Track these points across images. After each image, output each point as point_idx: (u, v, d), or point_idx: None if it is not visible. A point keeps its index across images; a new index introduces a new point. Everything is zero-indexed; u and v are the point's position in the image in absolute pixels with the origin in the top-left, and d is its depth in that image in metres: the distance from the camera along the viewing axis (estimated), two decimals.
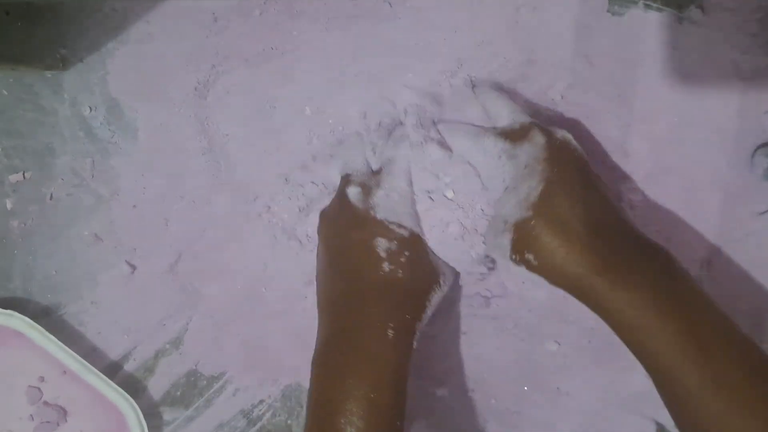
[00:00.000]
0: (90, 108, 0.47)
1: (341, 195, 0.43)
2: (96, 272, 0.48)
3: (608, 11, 0.45)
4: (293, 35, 0.47)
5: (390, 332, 0.38)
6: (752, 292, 0.46)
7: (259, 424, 0.48)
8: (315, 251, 0.47)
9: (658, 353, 0.34)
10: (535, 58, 0.46)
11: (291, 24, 0.47)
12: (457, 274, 0.45)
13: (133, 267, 0.48)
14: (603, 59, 0.45)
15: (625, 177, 0.46)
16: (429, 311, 0.40)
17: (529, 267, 0.38)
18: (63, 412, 0.47)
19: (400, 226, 0.41)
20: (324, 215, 0.44)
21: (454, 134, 0.43)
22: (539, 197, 0.38)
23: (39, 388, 0.47)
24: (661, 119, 0.45)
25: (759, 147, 0.44)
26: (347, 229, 0.41)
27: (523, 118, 0.42)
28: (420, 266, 0.41)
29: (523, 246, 0.38)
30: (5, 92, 0.47)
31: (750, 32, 0.44)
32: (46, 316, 0.48)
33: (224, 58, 0.47)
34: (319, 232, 0.44)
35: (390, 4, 0.46)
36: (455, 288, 0.46)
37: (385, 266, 0.39)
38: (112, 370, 0.48)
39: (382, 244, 0.40)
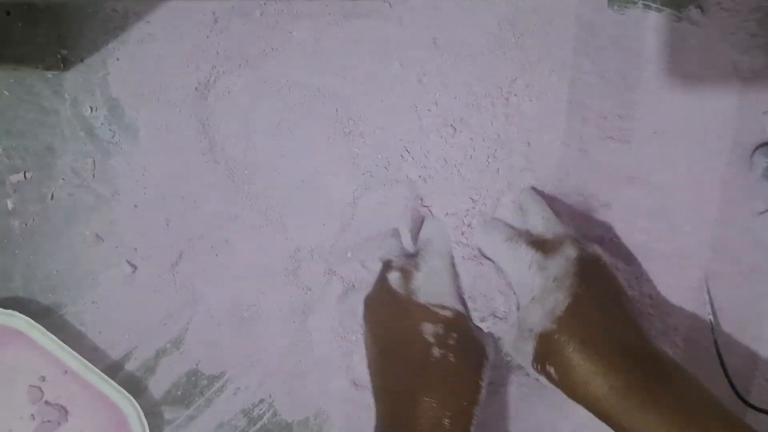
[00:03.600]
0: (91, 108, 0.47)
1: (382, 281, 0.43)
2: (97, 272, 0.48)
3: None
4: (293, 35, 0.47)
5: (446, 422, 0.37)
6: (752, 291, 0.46)
7: (259, 424, 0.48)
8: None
9: None
10: (534, 59, 0.46)
11: (291, 24, 0.47)
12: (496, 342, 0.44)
13: (134, 267, 0.48)
14: (602, 59, 0.45)
15: (623, 178, 0.46)
16: (484, 391, 0.40)
17: (550, 379, 0.38)
18: (64, 412, 0.47)
19: (443, 307, 0.41)
20: (368, 304, 0.44)
21: (490, 233, 0.44)
22: (565, 311, 0.38)
23: (40, 388, 0.47)
24: (661, 119, 0.45)
25: (758, 147, 0.44)
26: (392, 317, 0.42)
27: (558, 229, 0.42)
28: (468, 344, 0.41)
29: (545, 358, 0.38)
30: (6, 93, 0.47)
31: (749, 32, 0.44)
32: (47, 316, 0.48)
33: (225, 58, 0.47)
34: (365, 320, 0.44)
35: (390, 4, 0.46)
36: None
37: (435, 352, 0.39)
38: (113, 370, 0.48)
39: (428, 330, 0.40)
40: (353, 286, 0.47)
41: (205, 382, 0.48)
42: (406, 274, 0.43)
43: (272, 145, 0.47)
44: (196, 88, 0.47)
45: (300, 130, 0.47)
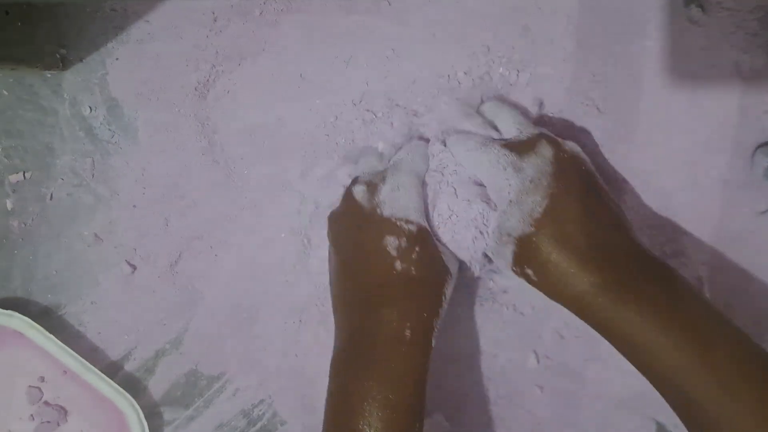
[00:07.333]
0: (90, 108, 0.47)
1: (347, 195, 0.43)
2: (96, 272, 0.48)
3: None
4: (293, 34, 0.47)
5: (408, 332, 0.38)
6: (752, 291, 0.46)
7: (259, 424, 0.48)
8: (316, 251, 0.47)
9: (663, 370, 0.34)
10: (532, 57, 0.46)
11: (291, 23, 0.47)
12: (459, 263, 0.43)
13: (134, 267, 0.48)
14: (602, 59, 0.45)
15: (624, 177, 0.46)
16: (445, 305, 0.40)
17: (529, 281, 0.39)
18: (63, 412, 0.47)
19: (407, 221, 0.40)
20: (332, 218, 0.44)
21: (462, 144, 0.42)
22: (543, 213, 0.38)
23: (39, 388, 0.47)
24: (661, 119, 0.45)
25: (759, 146, 0.44)
26: (356, 229, 0.41)
27: (531, 129, 0.41)
28: (432, 260, 0.40)
29: (524, 261, 0.38)
30: (5, 92, 0.47)
31: (750, 32, 0.44)
32: (46, 316, 0.48)
33: (224, 58, 0.47)
34: (328, 235, 0.44)
35: (389, 2, 0.46)
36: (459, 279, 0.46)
37: (398, 265, 0.39)
38: (113, 370, 0.48)
39: (391, 243, 0.39)
40: None
41: (205, 382, 0.48)
42: (372, 188, 0.42)
43: (272, 144, 0.47)
44: (195, 88, 0.47)
45: (300, 129, 0.47)
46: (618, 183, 0.46)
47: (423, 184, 0.42)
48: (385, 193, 0.41)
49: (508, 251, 0.39)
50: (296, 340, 0.48)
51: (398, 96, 0.46)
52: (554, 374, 0.47)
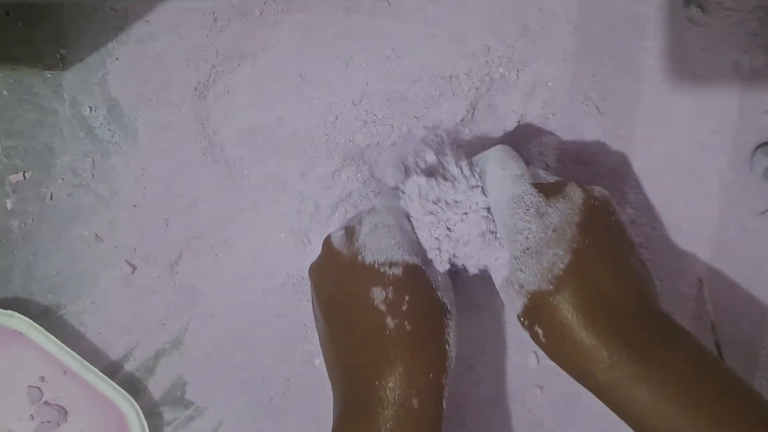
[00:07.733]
0: (90, 108, 0.47)
1: (326, 244, 0.40)
2: (96, 272, 0.48)
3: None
4: (293, 34, 0.47)
5: (415, 402, 0.34)
6: (752, 292, 0.46)
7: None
8: (316, 251, 0.47)
9: None
10: (532, 57, 0.46)
11: (291, 23, 0.47)
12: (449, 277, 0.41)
13: (134, 267, 0.48)
14: (602, 59, 0.45)
15: (624, 177, 0.46)
16: (451, 354, 0.36)
17: (536, 340, 0.36)
18: (63, 412, 0.47)
19: (392, 264, 0.37)
20: (312, 270, 0.40)
21: (500, 161, 0.38)
22: (564, 271, 0.34)
23: (39, 388, 0.47)
24: (661, 119, 0.45)
25: (759, 146, 0.44)
26: (338, 284, 0.38)
27: (560, 175, 0.39)
28: (426, 303, 0.37)
29: (536, 317, 0.35)
30: (5, 92, 0.47)
31: (750, 32, 0.44)
32: (46, 316, 0.48)
33: (224, 58, 0.47)
34: (311, 291, 0.41)
35: (389, 2, 0.46)
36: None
37: (389, 322, 0.35)
38: (113, 370, 0.48)
39: (378, 296, 0.36)
40: None
41: None
42: (350, 231, 0.38)
43: (272, 144, 0.47)
44: (195, 88, 0.47)
45: (300, 129, 0.47)
46: (618, 183, 0.46)
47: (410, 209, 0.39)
48: (364, 235, 0.38)
49: (519, 302, 0.36)
50: (296, 341, 0.48)
51: (398, 96, 0.46)
52: (554, 374, 0.47)
